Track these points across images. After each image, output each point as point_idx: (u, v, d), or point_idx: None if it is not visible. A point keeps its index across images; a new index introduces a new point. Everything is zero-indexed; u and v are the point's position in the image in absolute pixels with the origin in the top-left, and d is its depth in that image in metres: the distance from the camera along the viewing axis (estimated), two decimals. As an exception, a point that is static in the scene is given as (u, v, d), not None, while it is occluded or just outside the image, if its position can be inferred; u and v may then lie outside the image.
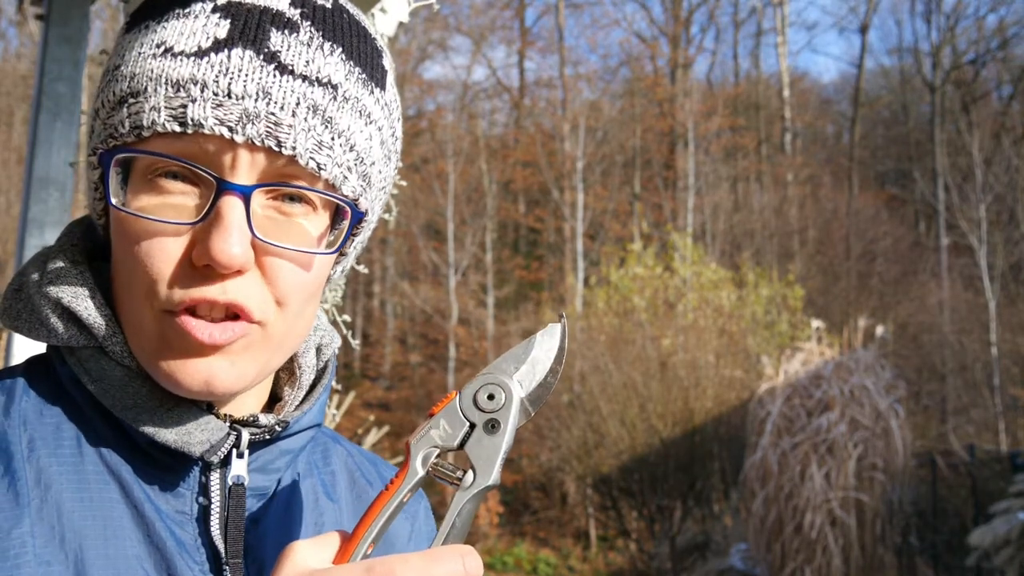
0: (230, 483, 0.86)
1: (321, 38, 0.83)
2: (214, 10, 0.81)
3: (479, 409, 0.80)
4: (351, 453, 1.08)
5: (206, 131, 0.77)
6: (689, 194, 28.33)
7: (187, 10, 0.82)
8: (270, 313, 0.83)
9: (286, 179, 0.81)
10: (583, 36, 42.60)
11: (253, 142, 0.78)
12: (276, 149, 0.79)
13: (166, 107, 0.78)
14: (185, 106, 0.77)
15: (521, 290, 28.11)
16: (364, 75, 0.86)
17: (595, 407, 16.27)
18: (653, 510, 15.70)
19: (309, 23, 0.83)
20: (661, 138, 31.41)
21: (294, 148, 0.79)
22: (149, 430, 0.82)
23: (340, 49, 0.84)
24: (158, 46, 0.81)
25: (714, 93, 32.82)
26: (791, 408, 12.59)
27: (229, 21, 0.81)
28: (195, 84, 0.78)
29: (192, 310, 0.80)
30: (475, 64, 33.58)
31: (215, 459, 0.85)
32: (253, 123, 0.78)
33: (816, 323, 14.05)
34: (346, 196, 0.84)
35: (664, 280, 18.97)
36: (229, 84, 0.78)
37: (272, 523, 0.90)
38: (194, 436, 0.83)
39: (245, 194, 0.78)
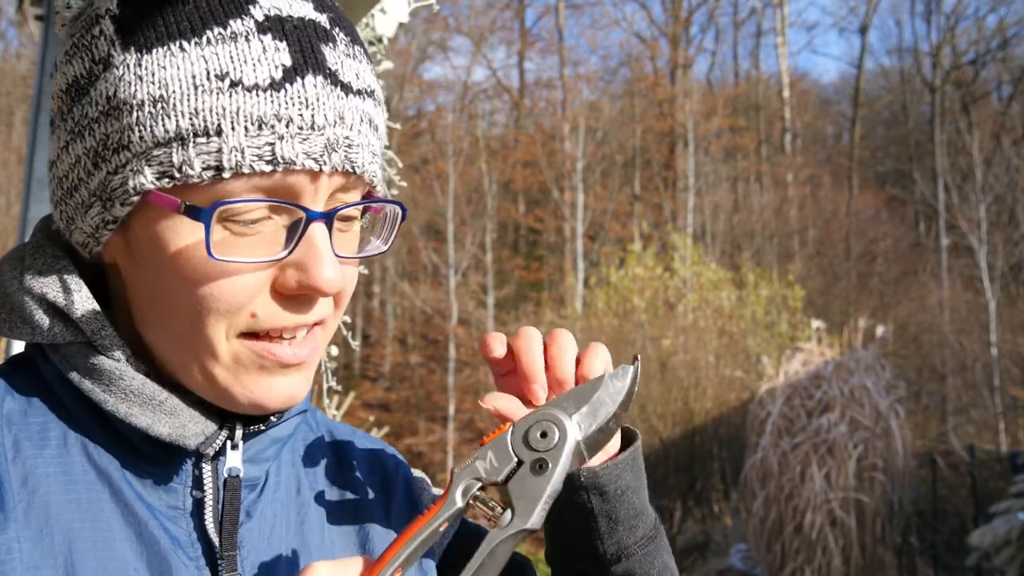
0: (225, 475, 0.85)
1: (351, 44, 0.84)
2: (260, 29, 0.78)
3: (529, 447, 0.76)
4: (331, 434, 1.06)
5: (296, 167, 0.77)
6: (689, 194, 28.33)
7: (228, 30, 0.77)
8: (331, 314, 0.87)
9: (343, 191, 0.84)
10: (583, 36, 42.64)
11: (336, 169, 0.80)
12: (351, 171, 0.81)
13: (250, 147, 0.76)
14: (272, 143, 0.76)
15: (521, 290, 28.10)
16: (371, 65, 0.88)
17: (595, 407, 16.25)
18: (653, 510, 15.70)
19: (338, 29, 0.84)
20: (661, 138, 31.41)
21: (363, 167, 0.82)
22: (142, 424, 0.80)
23: (360, 48, 0.86)
24: (219, 78, 0.76)
25: (714, 93, 32.82)
26: (791, 408, 12.58)
27: (285, 43, 0.78)
28: (279, 120, 0.76)
29: (272, 336, 0.82)
30: (475, 65, 33.62)
31: (210, 451, 0.83)
32: (335, 151, 0.79)
33: (816, 323, 14.03)
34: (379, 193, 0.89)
35: (664, 280, 18.96)
36: (312, 116, 0.77)
37: (261, 513, 0.90)
38: (188, 429, 0.82)
39: (328, 219, 0.81)
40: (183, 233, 0.78)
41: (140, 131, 0.77)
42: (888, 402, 12.47)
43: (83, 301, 0.82)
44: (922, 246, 28.24)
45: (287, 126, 0.76)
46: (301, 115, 0.77)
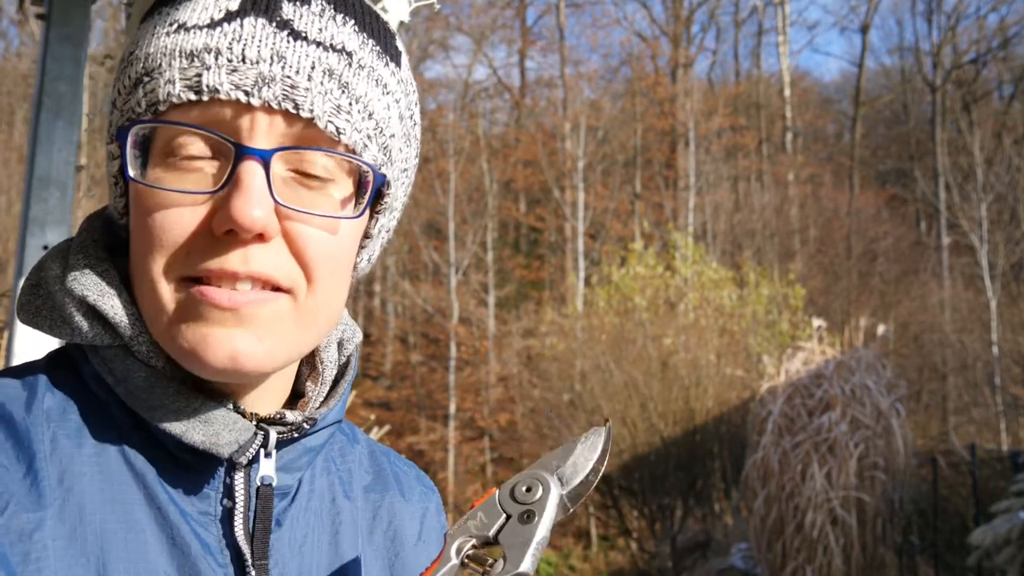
0: (258, 483, 0.85)
1: (333, 10, 0.83)
2: None
3: (516, 501, 0.81)
4: (367, 450, 1.07)
5: (222, 96, 0.77)
6: (690, 193, 28.31)
7: None
8: (299, 284, 0.81)
9: (304, 143, 0.80)
10: (584, 35, 42.66)
11: (270, 105, 0.77)
12: (294, 111, 0.78)
13: (181, 78, 0.78)
14: (200, 74, 0.77)
15: (522, 289, 28.10)
16: (378, 47, 0.86)
17: (596, 406, 16.26)
18: (654, 509, 15.69)
19: None
20: (662, 137, 31.40)
21: (312, 111, 0.78)
22: (176, 431, 0.80)
23: (352, 21, 0.84)
24: (171, 24, 0.81)
25: (715, 92, 32.80)
26: (792, 407, 12.58)
27: None
28: (208, 52, 0.78)
29: (211, 282, 0.79)
30: (476, 63, 33.53)
31: (243, 460, 0.83)
32: (269, 86, 0.77)
33: (817, 322, 14.01)
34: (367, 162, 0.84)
35: (665, 279, 18.95)
36: (243, 49, 0.78)
37: (292, 523, 0.90)
38: (222, 437, 0.82)
39: (265, 158, 0.77)
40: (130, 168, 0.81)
41: (119, 85, 0.84)
42: (889, 401, 12.46)
43: (122, 305, 0.82)
44: (923, 245, 28.24)
45: (216, 57, 0.78)
46: (231, 47, 0.78)
